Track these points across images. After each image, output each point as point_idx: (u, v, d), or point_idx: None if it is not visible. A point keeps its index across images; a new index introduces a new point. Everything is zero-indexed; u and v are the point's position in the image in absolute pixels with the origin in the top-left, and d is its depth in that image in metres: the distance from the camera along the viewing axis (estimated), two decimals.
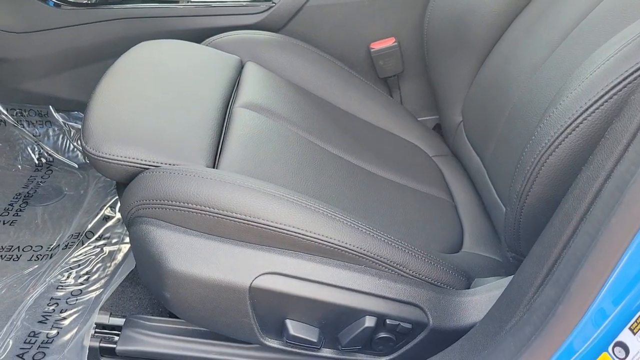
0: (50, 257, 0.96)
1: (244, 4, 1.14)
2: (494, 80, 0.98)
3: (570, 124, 0.59)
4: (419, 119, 1.19)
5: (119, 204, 1.06)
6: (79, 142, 1.19)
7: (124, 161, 0.72)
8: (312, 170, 0.86)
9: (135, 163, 0.72)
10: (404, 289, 0.70)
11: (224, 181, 0.68)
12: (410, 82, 1.22)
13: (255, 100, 0.93)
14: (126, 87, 0.83)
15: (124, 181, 0.74)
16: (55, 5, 1.10)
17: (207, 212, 0.66)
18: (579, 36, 0.81)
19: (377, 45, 1.16)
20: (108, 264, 0.91)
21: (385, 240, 0.71)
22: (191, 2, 1.15)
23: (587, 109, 0.58)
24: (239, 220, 0.66)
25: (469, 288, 0.75)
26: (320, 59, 1.12)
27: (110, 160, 0.72)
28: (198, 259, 0.67)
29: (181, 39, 1.06)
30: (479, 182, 0.99)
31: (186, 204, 0.67)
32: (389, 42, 1.16)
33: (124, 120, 0.77)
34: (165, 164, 0.73)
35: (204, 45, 1.05)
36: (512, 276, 0.72)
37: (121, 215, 0.74)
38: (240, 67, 1.04)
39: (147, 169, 0.72)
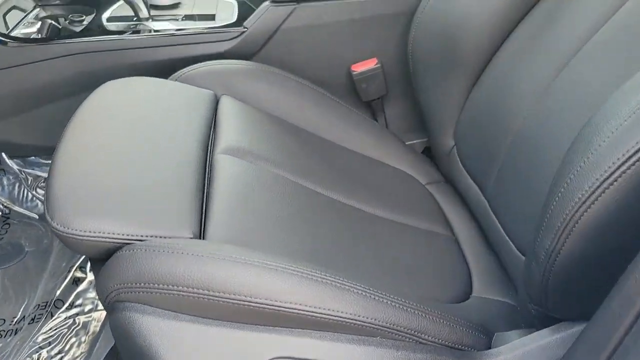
0: (16, 333, 0.85)
1: (214, 30, 1.05)
2: (489, 103, 0.92)
3: (608, 177, 0.53)
4: (407, 143, 1.13)
5: (89, 264, 0.96)
6: (37, 190, 1.08)
7: (100, 237, 0.63)
8: (307, 222, 0.78)
9: (112, 238, 0.63)
10: (424, 358, 0.63)
11: (217, 257, 0.59)
12: (396, 104, 1.15)
13: (236, 143, 0.84)
14: (92, 143, 0.73)
15: (99, 257, 0.65)
16: (1, 43, 0.98)
17: (201, 295, 0.58)
18: (593, 53, 0.75)
19: (358, 68, 1.09)
20: (83, 339, 0.81)
21: (399, 306, 0.64)
22: (155, 31, 1.05)
23: (626, 160, 0.52)
24: (238, 301, 0.58)
25: (490, 347, 0.69)
26: (300, 87, 1.04)
27: (83, 238, 0.62)
28: (193, 349, 0.58)
29: (146, 73, 0.96)
30: (480, 214, 0.93)
31: (176, 287, 0.58)
32: (371, 63, 1.09)
33: (94, 186, 0.67)
34: (147, 236, 0.63)
35: (173, 81, 0.96)
36: (538, 334, 0.67)
37: (98, 297, 0.64)
38: (215, 103, 0.95)
39: (128, 244, 0.63)
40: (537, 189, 0.77)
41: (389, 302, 0.64)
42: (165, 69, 0.99)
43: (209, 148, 0.83)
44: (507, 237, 0.83)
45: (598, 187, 0.53)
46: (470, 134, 0.97)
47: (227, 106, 0.94)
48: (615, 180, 0.53)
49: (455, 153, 1.02)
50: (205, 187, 0.75)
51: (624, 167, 0.52)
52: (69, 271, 0.93)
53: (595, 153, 0.55)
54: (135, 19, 1.07)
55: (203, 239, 0.67)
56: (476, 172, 0.95)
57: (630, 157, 0.52)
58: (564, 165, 0.59)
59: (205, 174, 0.77)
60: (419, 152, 1.15)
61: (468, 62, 0.96)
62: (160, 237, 0.64)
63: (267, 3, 1.05)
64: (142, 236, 0.63)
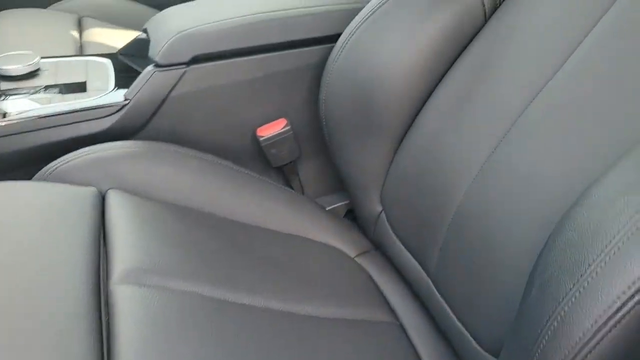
0: None
1: (88, 106, 0.86)
2: (419, 170, 0.82)
3: (614, 313, 0.44)
4: (327, 208, 1.01)
5: None
6: None
7: None
8: (237, 353, 0.64)
9: None
10: None
11: None
12: (310, 165, 1.03)
13: (136, 263, 0.68)
14: None
15: None
16: None
17: None
18: (547, 109, 0.67)
19: (265, 132, 0.95)
20: None
21: None
22: (9, 113, 0.84)
23: (634, 294, 0.44)
24: None
25: None
26: (201, 163, 0.89)
27: None
28: None
29: (6, 169, 0.77)
30: (423, 294, 0.83)
31: None
32: (279, 125, 0.96)
33: None
34: None
35: (41, 181, 0.76)
36: None
37: None
38: (101, 202, 0.77)
39: None
40: (493, 277, 0.68)
41: None
42: (28, 164, 0.79)
43: (101, 277, 0.65)
44: (462, 328, 0.73)
45: (603, 324, 0.45)
46: (400, 202, 0.87)
47: (117, 205, 0.77)
48: (624, 317, 0.44)
49: (384, 219, 0.92)
50: (105, 343, 0.58)
51: (631, 303, 0.44)
52: None
53: (591, 282, 0.46)
54: None
55: None
56: (413, 245, 0.85)
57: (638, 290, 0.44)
58: (547, 288, 0.50)
59: (100, 321, 0.60)
60: (342, 215, 1.04)
61: (389, 122, 0.86)
62: None
63: (150, 68, 0.88)
64: None
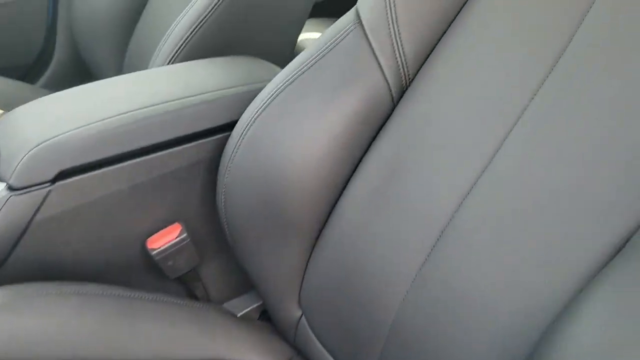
0: None
1: None
2: (341, 271, 0.73)
3: None
4: (239, 314, 0.89)
5: None
6: None
7: None
8: None
9: None
10: None
11: None
12: (214, 267, 0.91)
13: None
14: None
15: None
16: None
17: None
18: (479, 212, 0.61)
19: (157, 243, 0.81)
20: None
21: None
22: None
23: None
24: None
25: None
26: (81, 300, 0.73)
27: None
28: None
29: None
30: None
31: None
32: (174, 232, 0.82)
33: None
34: None
35: None
36: None
37: None
38: None
39: None
40: None
41: None
42: None
43: None
44: None
45: None
46: (323, 308, 0.78)
47: None
48: None
49: (305, 324, 0.82)
50: None
51: None
52: None
53: None
54: None
55: None
56: (342, 355, 0.76)
57: None
58: None
59: None
60: (257, 317, 0.92)
61: (300, 221, 0.76)
62: None
63: (3, 191, 0.71)
64: None
